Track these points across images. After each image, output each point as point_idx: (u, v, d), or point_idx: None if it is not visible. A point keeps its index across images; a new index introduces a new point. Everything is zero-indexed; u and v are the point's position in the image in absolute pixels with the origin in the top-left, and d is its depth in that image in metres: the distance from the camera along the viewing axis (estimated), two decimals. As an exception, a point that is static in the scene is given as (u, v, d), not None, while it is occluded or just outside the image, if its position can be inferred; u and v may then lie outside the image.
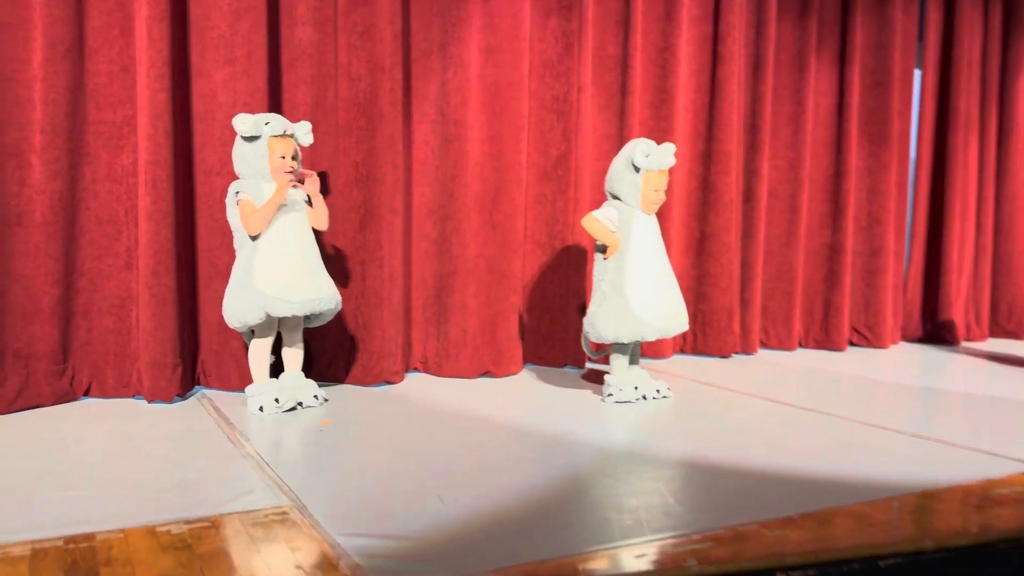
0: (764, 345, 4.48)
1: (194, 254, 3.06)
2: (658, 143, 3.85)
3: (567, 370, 3.67)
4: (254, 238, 2.73)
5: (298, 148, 2.85)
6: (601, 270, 3.06)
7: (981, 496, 2.05)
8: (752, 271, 4.30)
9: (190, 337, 3.05)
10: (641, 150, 2.94)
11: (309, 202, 2.89)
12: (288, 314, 2.73)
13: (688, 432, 2.65)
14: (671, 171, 3.92)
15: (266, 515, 1.81)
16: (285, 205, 2.76)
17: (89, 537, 1.66)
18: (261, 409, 2.74)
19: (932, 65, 4.77)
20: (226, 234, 2.88)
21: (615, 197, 3.08)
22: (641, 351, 3.98)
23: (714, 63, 4.06)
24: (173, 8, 2.86)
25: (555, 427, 2.65)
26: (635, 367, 3.15)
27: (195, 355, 3.09)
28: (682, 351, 4.23)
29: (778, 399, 3.15)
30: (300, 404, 2.82)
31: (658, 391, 3.12)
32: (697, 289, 4.19)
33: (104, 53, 2.85)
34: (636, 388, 3.05)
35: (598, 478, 2.12)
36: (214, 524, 1.75)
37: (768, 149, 4.34)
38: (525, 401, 3.08)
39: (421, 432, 2.59)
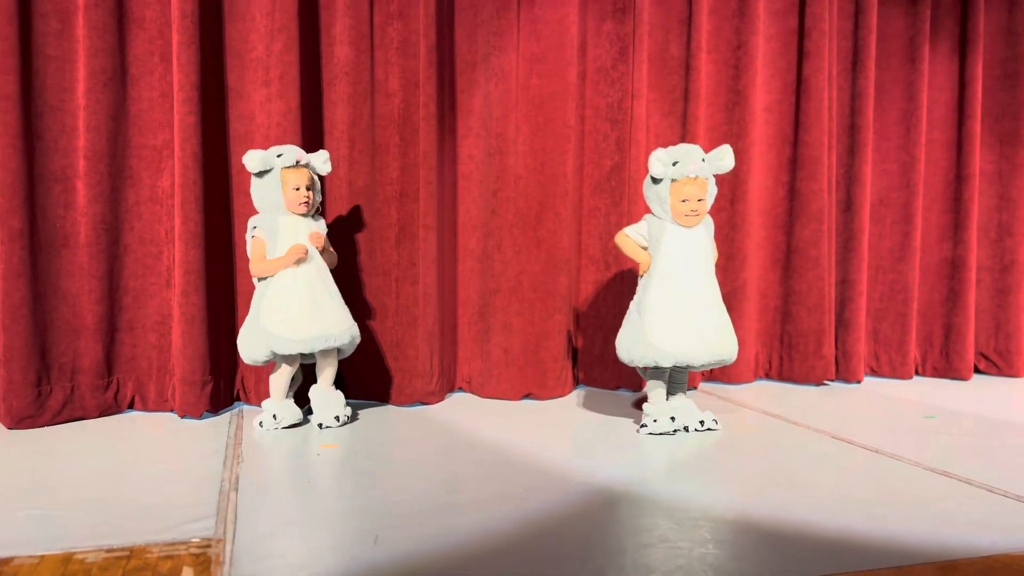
0: (875, 372, 4.01)
1: (232, 273, 3.12)
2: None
3: (620, 393, 3.43)
4: (258, 280, 2.76)
5: (315, 177, 2.83)
6: (638, 287, 2.84)
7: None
8: (854, 289, 3.85)
9: (227, 355, 3.10)
10: (656, 157, 2.68)
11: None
12: (292, 352, 2.72)
13: (714, 475, 2.36)
14: (753, 177, 3.63)
15: (189, 547, 1.76)
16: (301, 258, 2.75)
17: (7, 561, 1.68)
18: (261, 424, 2.77)
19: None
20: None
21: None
22: (712, 375, 3.70)
23: (800, 60, 3.68)
24: (205, 33, 2.93)
25: (566, 459, 2.45)
26: (679, 395, 2.89)
27: (234, 372, 3.15)
28: (767, 376, 3.86)
29: (850, 438, 2.76)
30: (320, 425, 2.81)
31: (702, 422, 2.83)
32: (783, 308, 3.81)
33: (145, 80, 2.97)
34: (673, 419, 2.78)
35: (568, 524, 1.92)
36: (131, 554, 1.72)
37: (874, 152, 3.89)
38: (554, 428, 2.88)
39: (418, 462, 2.47)
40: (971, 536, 1.86)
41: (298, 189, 2.74)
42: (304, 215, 2.79)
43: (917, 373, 4.06)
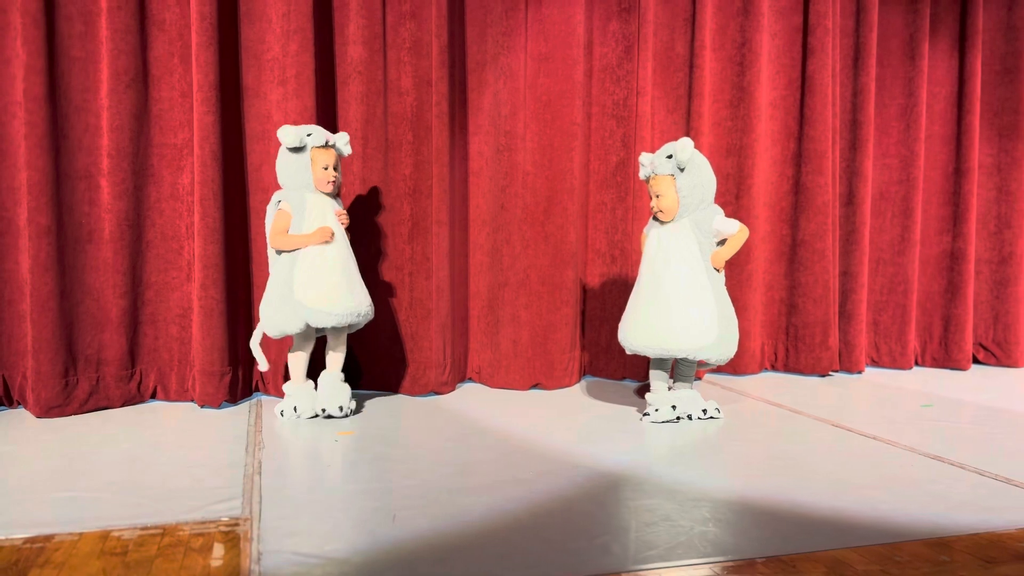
0: (875, 363, 4.10)
1: (249, 267, 3.22)
2: (737, 144, 3.67)
3: (625, 383, 3.53)
4: (278, 252, 2.84)
5: (338, 159, 2.93)
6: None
7: None
8: (856, 281, 3.94)
9: (246, 346, 3.21)
10: (640, 163, 2.91)
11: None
12: (328, 325, 2.81)
13: (715, 460, 2.46)
14: (758, 171, 3.71)
15: (219, 525, 1.87)
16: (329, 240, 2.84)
17: (48, 538, 1.78)
18: (282, 414, 2.87)
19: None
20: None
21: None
22: (711, 367, 3.78)
23: (804, 57, 3.77)
24: (223, 35, 3.03)
25: (573, 446, 2.55)
26: (683, 384, 2.99)
27: (252, 363, 3.25)
28: (773, 367, 3.95)
29: (849, 426, 2.86)
30: (323, 411, 2.90)
31: (704, 411, 2.93)
32: (789, 300, 3.90)
33: (166, 80, 3.07)
34: (674, 407, 2.88)
35: (575, 505, 2.02)
36: (165, 532, 1.82)
37: (874, 147, 3.98)
38: (562, 416, 2.98)
39: (433, 448, 2.57)
40: (961, 515, 1.95)
41: (326, 168, 2.85)
42: (328, 194, 2.89)
43: (917, 363, 4.15)
